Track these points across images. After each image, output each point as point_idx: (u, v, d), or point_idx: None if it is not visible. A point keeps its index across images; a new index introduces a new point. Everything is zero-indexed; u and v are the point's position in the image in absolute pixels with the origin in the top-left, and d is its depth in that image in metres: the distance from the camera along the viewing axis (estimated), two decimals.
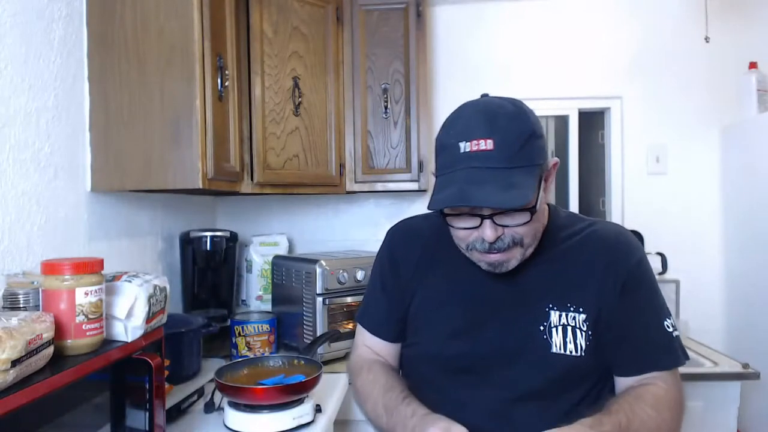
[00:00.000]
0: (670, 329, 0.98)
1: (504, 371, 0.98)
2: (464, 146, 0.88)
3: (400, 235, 1.16)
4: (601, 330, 0.97)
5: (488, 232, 0.90)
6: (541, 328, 0.97)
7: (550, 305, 0.98)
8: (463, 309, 1.02)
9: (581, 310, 0.97)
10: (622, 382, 0.99)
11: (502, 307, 1.00)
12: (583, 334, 0.96)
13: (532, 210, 0.89)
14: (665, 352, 0.97)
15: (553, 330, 0.96)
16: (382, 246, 1.18)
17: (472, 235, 0.93)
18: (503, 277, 0.98)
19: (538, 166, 0.90)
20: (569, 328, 0.96)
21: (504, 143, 0.87)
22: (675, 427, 0.92)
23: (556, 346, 0.96)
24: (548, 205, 1.05)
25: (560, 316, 0.96)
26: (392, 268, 1.12)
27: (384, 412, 0.98)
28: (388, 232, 1.18)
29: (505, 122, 0.88)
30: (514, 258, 0.95)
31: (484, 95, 0.99)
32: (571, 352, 0.96)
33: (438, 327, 1.04)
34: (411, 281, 1.09)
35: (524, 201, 0.85)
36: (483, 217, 0.90)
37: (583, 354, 0.96)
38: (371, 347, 1.15)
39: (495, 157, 0.86)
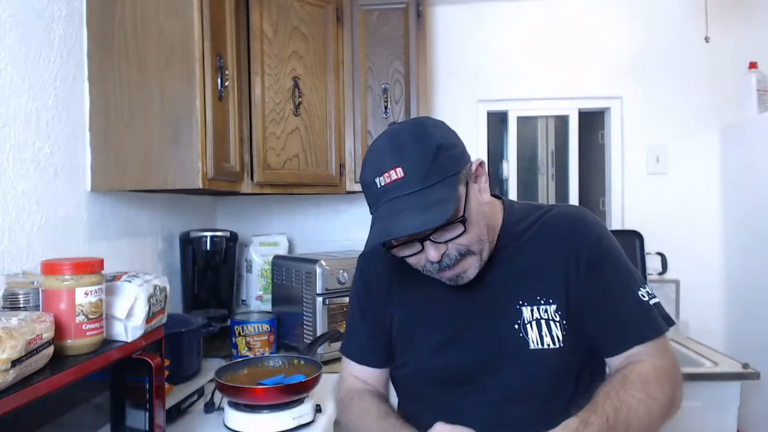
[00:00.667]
0: (646, 297, 0.96)
1: (491, 376, 0.98)
2: (379, 181, 0.90)
3: (368, 259, 1.16)
4: (575, 316, 0.96)
5: (431, 252, 0.91)
6: (516, 326, 0.96)
7: (520, 302, 0.97)
8: (441, 322, 1.03)
9: (551, 301, 0.96)
10: (611, 363, 0.98)
11: (477, 312, 1.00)
12: (558, 324, 0.95)
13: (462, 220, 0.89)
14: (645, 322, 0.94)
15: (528, 326, 0.96)
16: (355, 274, 1.19)
17: (421, 258, 0.94)
18: (471, 284, 0.98)
19: (455, 175, 0.90)
20: (543, 322, 0.95)
21: (412, 167, 0.88)
22: (669, 404, 0.90)
23: (533, 342, 0.95)
24: (502, 201, 1.06)
25: (532, 311, 0.96)
26: (367, 294, 1.13)
27: None
28: (358, 259, 1.19)
29: (408, 146, 0.89)
30: (471, 267, 0.95)
31: (392, 124, 1.00)
32: (549, 345, 0.95)
33: (420, 344, 1.04)
34: (387, 303, 1.10)
35: (445, 216, 0.85)
36: (421, 241, 0.91)
37: (561, 345, 0.95)
38: (359, 376, 1.14)
39: (408, 183, 0.87)
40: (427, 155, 0.88)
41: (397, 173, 0.88)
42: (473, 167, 0.96)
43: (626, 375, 0.90)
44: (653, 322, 0.95)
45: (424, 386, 1.04)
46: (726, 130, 2.46)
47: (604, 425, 0.82)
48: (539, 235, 1.01)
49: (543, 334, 0.95)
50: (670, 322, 0.97)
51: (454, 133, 0.95)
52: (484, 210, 0.96)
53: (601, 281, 0.96)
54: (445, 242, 0.91)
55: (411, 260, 0.96)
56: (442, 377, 1.02)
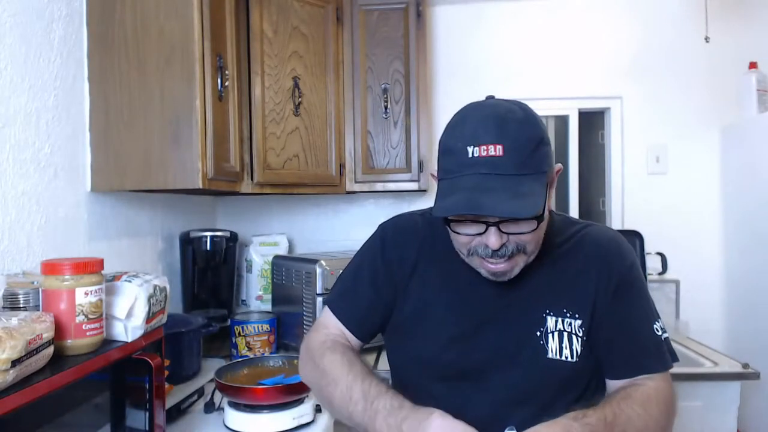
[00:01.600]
0: (659, 332, 0.98)
1: (499, 376, 0.97)
2: (472, 151, 0.85)
3: (394, 233, 1.10)
4: (593, 334, 0.97)
5: (493, 239, 0.88)
6: (538, 333, 0.96)
7: (547, 311, 0.97)
8: (459, 314, 1.01)
9: (577, 316, 0.96)
10: (612, 384, 0.99)
11: (499, 312, 0.99)
12: (579, 339, 0.96)
13: (540, 218, 0.87)
14: (655, 355, 0.97)
15: (550, 336, 0.96)
16: (373, 240, 1.11)
17: (474, 240, 0.91)
18: (500, 283, 0.96)
19: (545, 174, 0.89)
20: (565, 334, 0.95)
21: (514, 149, 0.84)
22: (665, 425, 0.91)
23: (552, 351, 0.95)
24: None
25: (557, 321, 0.96)
26: (386, 267, 1.06)
27: (362, 398, 0.91)
28: (380, 227, 1.12)
29: (515, 128, 0.86)
30: (517, 266, 0.93)
31: (490, 97, 0.96)
32: (566, 357, 0.95)
33: (433, 332, 1.01)
34: (404, 283, 1.05)
35: (535, 210, 0.82)
36: (489, 224, 0.88)
37: (577, 359, 0.96)
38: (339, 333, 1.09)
39: (504, 164, 0.84)
40: (530, 143, 0.86)
41: (496, 150, 0.83)
42: (554, 171, 0.95)
43: (629, 392, 0.92)
44: (662, 357, 0.97)
45: (428, 377, 1.02)
46: (726, 130, 2.46)
47: (602, 422, 0.83)
48: (575, 250, 1.01)
49: (563, 346, 0.95)
50: (675, 358, 0.99)
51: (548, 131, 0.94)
52: (548, 216, 0.96)
53: (625, 307, 0.97)
54: (508, 234, 0.88)
55: (463, 239, 0.92)
56: (449, 370, 1.00)
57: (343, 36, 2.16)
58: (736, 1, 2.42)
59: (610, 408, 0.86)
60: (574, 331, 0.96)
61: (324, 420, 1.38)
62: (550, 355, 0.96)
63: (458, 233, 0.92)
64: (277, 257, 2.17)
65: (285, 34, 1.98)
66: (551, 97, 2.54)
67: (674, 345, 2.32)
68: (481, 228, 0.89)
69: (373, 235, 1.13)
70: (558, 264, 1.00)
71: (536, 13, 2.53)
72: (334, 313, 1.09)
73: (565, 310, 0.97)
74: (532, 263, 0.97)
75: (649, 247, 2.35)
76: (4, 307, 0.96)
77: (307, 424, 1.33)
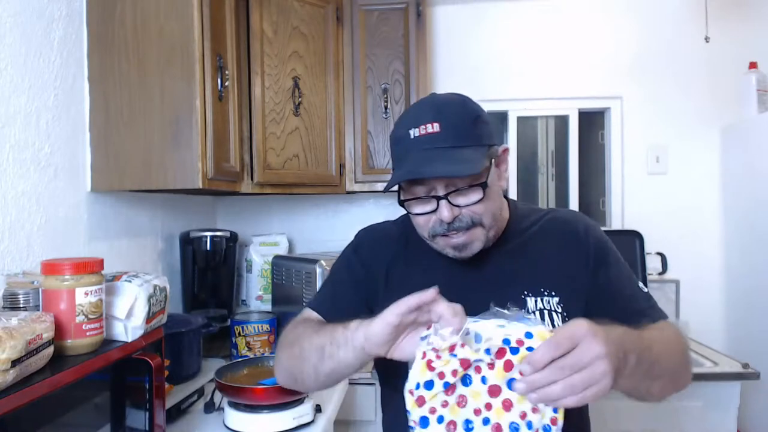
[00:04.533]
0: (645, 290, 1.03)
1: None
2: (413, 132, 0.93)
3: (369, 237, 1.14)
4: (575, 309, 0.98)
5: (445, 212, 0.92)
6: None
7: (525, 292, 0.99)
8: None
9: (554, 293, 0.99)
10: None
11: (479, 302, 1.00)
12: (559, 315, 0.98)
13: (484, 185, 0.91)
14: (650, 309, 0.99)
15: (531, 315, 0.97)
16: (349, 246, 1.15)
17: (431, 219, 0.96)
18: (476, 271, 1.00)
19: (487, 147, 0.94)
20: (546, 312, 0.98)
21: (450, 125, 0.91)
22: (683, 349, 0.92)
23: None
24: (507, 199, 1.09)
25: (536, 301, 0.98)
26: (363, 267, 1.09)
27: (327, 331, 0.91)
28: (357, 234, 1.17)
29: (450, 108, 0.94)
30: (477, 240, 0.96)
31: (431, 95, 1.04)
32: None
33: None
34: (383, 281, 1.07)
35: (473, 170, 0.88)
36: (438, 199, 0.93)
37: None
38: None
39: (442, 138, 0.91)
40: (466, 119, 0.93)
41: (433, 127, 0.91)
42: (500, 150, 1.00)
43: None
44: (657, 308, 1.00)
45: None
46: (726, 130, 2.46)
47: (632, 332, 0.81)
48: (543, 232, 1.05)
49: (545, 323, 0.96)
50: (664, 315, 1.02)
51: (489, 116, 1.00)
52: (499, 193, 1.00)
53: (611, 274, 1.01)
54: (459, 207, 0.93)
55: (421, 220, 0.97)
56: None
57: (343, 36, 2.16)
58: (736, 1, 2.42)
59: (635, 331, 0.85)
60: (553, 308, 0.98)
61: (324, 420, 1.38)
62: None
63: (414, 214, 0.97)
64: (277, 257, 2.17)
65: (285, 34, 1.98)
66: (551, 97, 2.54)
67: None
68: (432, 204, 0.94)
69: (351, 243, 1.16)
70: (528, 247, 1.03)
71: (536, 13, 2.53)
72: (315, 310, 1.08)
73: (542, 290, 0.99)
74: (503, 248, 1.01)
75: (649, 247, 2.35)
76: (4, 307, 0.96)
77: (307, 424, 1.33)
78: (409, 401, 0.75)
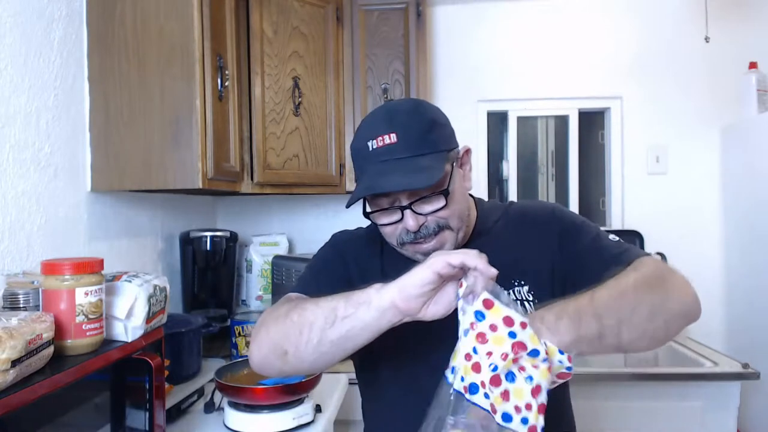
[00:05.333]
0: (615, 238, 1.00)
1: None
2: (371, 144, 0.93)
3: (346, 237, 1.17)
4: (545, 293, 0.98)
5: (410, 221, 0.92)
6: None
7: (498, 286, 0.99)
8: None
9: (523, 282, 1.00)
10: None
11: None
12: (530, 304, 0.99)
13: (445, 192, 0.92)
14: (620, 255, 0.95)
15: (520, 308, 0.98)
16: (326, 245, 1.18)
17: (397, 228, 0.96)
18: None
19: (445, 152, 0.94)
20: (518, 302, 0.99)
21: (406, 134, 0.91)
22: (647, 282, 0.86)
23: None
24: (473, 198, 1.09)
25: (509, 293, 0.99)
26: (341, 258, 1.12)
27: (336, 297, 0.85)
28: (333, 236, 1.20)
29: (404, 116, 0.94)
30: (447, 242, 0.96)
31: (388, 101, 1.04)
32: None
33: (396, 327, 0.97)
34: (360, 279, 1.05)
35: (431, 181, 0.87)
36: (402, 209, 0.93)
37: None
38: None
39: (399, 148, 0.91)
40: (421, 126, 0.93)
41: (390, 138, 0.91)
42: (461, 152, 1.00)
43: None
44: (629, 250, 0.96)
45: (395, 367, 1.02)
46: (726, 130, 2.46)
47: (581, 298, 0.80)
48: (507, 225, 1.07)
49: (519, 313, 0.97)
50: (645, 252, 0.99)
51: (447, 117, 1.00)
52: (464, 194, 1.01)
53: (575, 240, 1.00)
54: (424, 215, 0.93)
55: (387, 230, 0.97)
56: (419, 358, 0.99)
57: (343, 36, 2.16)
58: (736, 1, 2.42)
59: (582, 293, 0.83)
60: (524, 297, 1.00)
61: (324, 420, 1.38)
62: None
63: (380, 225, 0.98)
64: (277, 257, 2.17)
65: (285, 34, 1.98)
66: (551, 97, 2.54)
67: (674, 344, 2.31)
68: (397, 214, 0.94)
69: (328, 243, 1.20)
70: (496, 242, 1.03)
71: (536, 13, 2.53)
72: (302, 293, 1.04)
73: (512, 281, 1.00)
74: (472, 245, 0.99)
75: (649, 247, 2.35)
76: (4, 307, 0.96)
77: (307, 424, 1.33)
78: (464, 366, 0.74)
